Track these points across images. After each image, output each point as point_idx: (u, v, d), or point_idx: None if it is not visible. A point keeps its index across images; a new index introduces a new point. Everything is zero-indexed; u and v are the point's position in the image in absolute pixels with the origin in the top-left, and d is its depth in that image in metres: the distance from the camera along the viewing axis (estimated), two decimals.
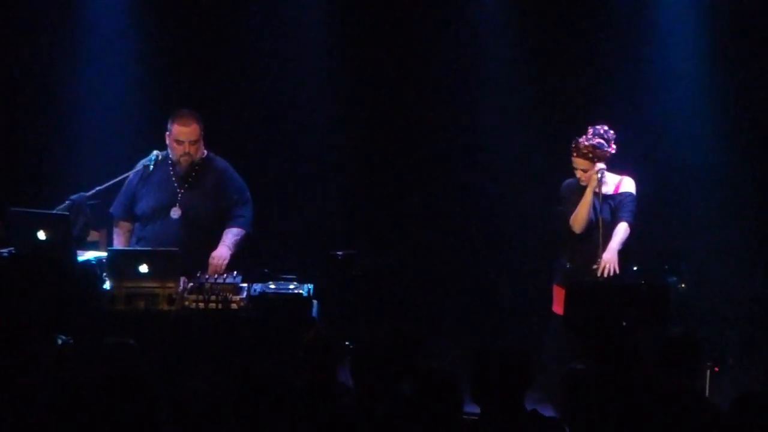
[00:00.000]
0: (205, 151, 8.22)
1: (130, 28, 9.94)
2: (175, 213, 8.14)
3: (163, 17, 9.97)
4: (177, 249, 7.66)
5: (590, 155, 8.17)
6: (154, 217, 8.15)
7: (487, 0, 10.09)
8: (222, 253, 8.03)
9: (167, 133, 8.13)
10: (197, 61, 10.01)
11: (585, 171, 8.22)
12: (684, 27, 9.93)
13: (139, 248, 7.91)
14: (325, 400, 5.72)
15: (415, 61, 10.18)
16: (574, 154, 8.23)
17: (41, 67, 9.85)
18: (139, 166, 8.18)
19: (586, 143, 8.19)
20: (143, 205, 8.17)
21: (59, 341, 6.25)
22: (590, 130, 8.23)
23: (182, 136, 8.09)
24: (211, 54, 10.04)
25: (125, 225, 8.26)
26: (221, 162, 8.29)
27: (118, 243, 8.19)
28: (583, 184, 8.23)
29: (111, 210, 8.23)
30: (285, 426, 5.18)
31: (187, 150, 8.09)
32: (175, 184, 8.17)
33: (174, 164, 8.15)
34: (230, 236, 8.13)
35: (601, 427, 5.41)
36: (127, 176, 8.14)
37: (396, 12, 10.13)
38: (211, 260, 7.99)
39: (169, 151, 8.14)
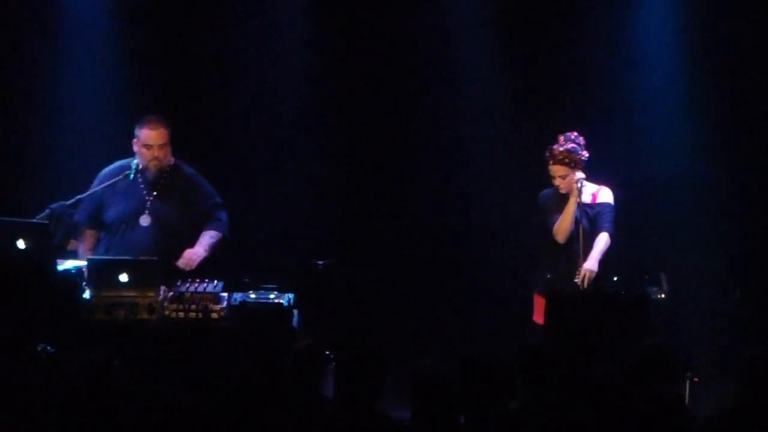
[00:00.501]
0: (173, 159, 8.21)
1: (110, 34, 9.91)
2: (145, 221, 8.10)
3: (142, 23, 9.94)
4: (156, 258, 7.65)
5: (566, 160, 8.21)
6: (123, 225, 8.10)
7: (472, 3, 10.09)
8: (196, 250, 8.01)
9: (134, 140, 8.10)
10: (177, 69, 9.98)
11: (563, 177, 8.25)
12: (665, 36, 9.96)
13: (118, 257, 7.86)
14: (304, 410, 5.70)
15: (396, 68, 10.18)
16: (551, 162, 8.26)
17: (20, 73, 9.81)
18: (105, 175, 8.12)
19: (561, 149, 8.23)
20: (111, 214, 8.11)
21: (39, 349, 6.23)
22: (561, 138, 8.28)
23: (150, 140, 8.07)
24: (191, 62, 10.02)
25: (91, 232, 8.19)
26: (189, 169, 8.27)
27: (83, 250, 8.12)
28: (563, 191, 8.25)
29: (76, 217, 8.14)
30: None
31: (156, 154, 8.06)
32: (144, 192, 8.14)
33: (142, 171, 8.12)
34: (207, 237, 8.11)
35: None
36: (109, 184, 8.11)
37: (378, 14, 10.12)
38: (184, 254, 7.95)
39: (138, 157, 8.11)
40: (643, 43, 9.98)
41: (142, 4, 9.94)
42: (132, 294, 7.51)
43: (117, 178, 8.09)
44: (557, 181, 8.28)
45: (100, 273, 7.56)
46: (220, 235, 8.16)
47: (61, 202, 7.96)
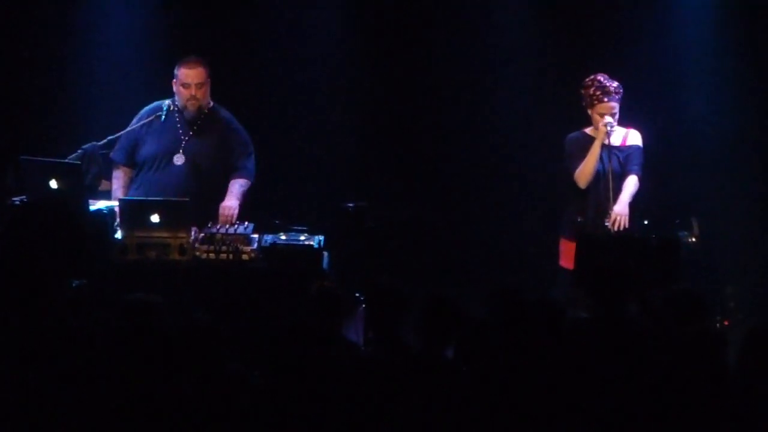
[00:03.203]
0: (211, 102, 8.22)
1: None
2: (179, 159, 8.13)
3: None
4: (188, 199, 7.68)
5: (618, 95, 8.11)
6: (156, 164, 8.13)
7: None
8: (231, 203, 8.05)
9: (173, 80, 8.12)
10: (212, 15, 9.95)
11: (615, 115, 8.12)
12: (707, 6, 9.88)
13: (150, 198, 7.89)
14: (327, 350, 5.73)
15: (427, 21, 10.13)
16: (604, 99, 8.11)
17: (52, 12, 9.81)
18: (143, 114, 8.16)
19: (613, 85, 8.11)
20: (145, 151, 8.14)
21: (74, 284, 6.29)
22: (598, 77, 8.15)
23: (188, 79, 8.08)
24: (227, 8, 9.99)
25: (126, 170, 8.22)
26: (226, 113, 8.29)
27: (117, 187, 8.15)
28: (613, 130, 8.11)
29: (111, 155, 8.17)
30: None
31: (193, 93, 8.08)
32: (180, 131, 8.16)
33: (181, 111, 8.14)
34: (237, 186, 8.14)
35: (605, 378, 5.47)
36: (146, 122, 8.12)
37: None
38: (221, 210, 8.00)
39: (176, 97, 8.13)
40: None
41: None
42: (163, 234, 7.56)
43: (151, 117, 8.11)
44: (608, 119, 8.08)
45: (132, 213, 7.61)
46: (249, 183, 8.21)
47: (94, 143, 8.01)
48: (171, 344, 5.28)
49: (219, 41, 9.74)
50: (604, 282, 6.17)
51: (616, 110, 8.15)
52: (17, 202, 7.68)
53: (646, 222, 8.33)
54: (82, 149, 7.92)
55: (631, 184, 8.17)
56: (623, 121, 8.26)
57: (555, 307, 5.76)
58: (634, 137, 8.28)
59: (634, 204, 8.16)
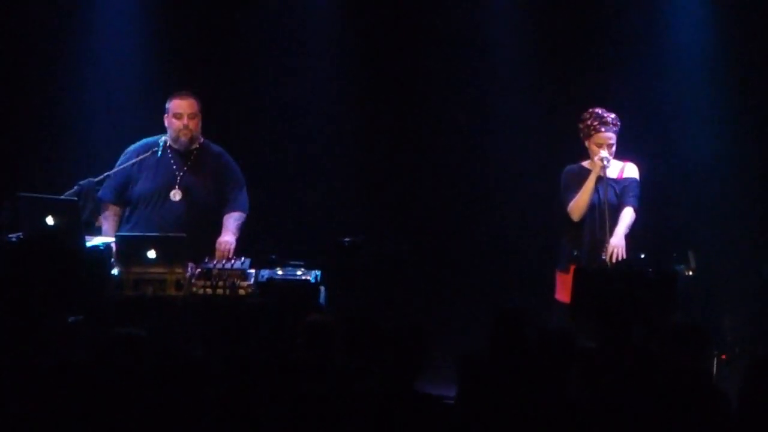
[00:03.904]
0: (202, 138, 8.23)
1: (141, 13, 9.93)
2: (176, 195, 8.12)
3: (174, 4, 9.96)
4: (184, 234, 7.68)
5: (616, 127, 8.13)
6: (153, 200, 8.13)
7: None
8: (228, 238, 8.05)
9: (165, 114, 8.14)
10: (206, 47, 10.00)
11: (612, 146, 8.14)
12: (695, 13, 9.90)
13: (146, 233, 7.88)
14: (315, 378, 5.71)
15: (422, 48, 10.16)
16: (602, 130, 8.13)
17: (50, 52, 9.84)
18: (131, 152, 8.15)
19: (611, 116, 8.14)
20: (140, 188, 8.13)
21: (70, 320, 6.28)
22: (596, 110, 8.18)
23: (181, 109, 8.09)
24: (221, 37, 10.02)
25: (115, 209, 8.20)
26: (217, 147, 8.30)
27: (108, 227, 8.12)
28: (607, 161, 8.12)
29: (99, 194, 8.14)
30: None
31: (186, 123, 8.09)
32: (175, 167, 8.17)
33: (172, 147, 8.13)
34: (232, 221, 8.15)
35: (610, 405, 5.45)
36: (137, 161, 8.13)
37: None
38: (218, 246, 8.00)
39: (168, 129, 8.14)
40: (676, 18, 9.91)
41: None
42: (160, 270, 7.55)
43: (146, 155, 8.11)
44: (604, 154, 8.10)
45: (128, 249, 7.60)
46: (243, 215, 8.21)
47: (90, 179, 8.00)
48: (156, 379, 5.25)
49: (216, 77, 9.79)
50: (601, 316, 6.16)
51: (613, 141, 8.17)
52: (14, 239, 7.67)
53: (642, 255, 8.33)
54: (79, 185, 7.91)
55: (627, 216, 8.16)
56: (620, 154, 8.28)
57: (564, 336, 5.71)
58: (630, 170, 8.29)
59: (630, 236, 8.16)
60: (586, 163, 8.29)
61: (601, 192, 8.12)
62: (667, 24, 9.95)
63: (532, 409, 5.32)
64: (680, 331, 6.10)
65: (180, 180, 8.14)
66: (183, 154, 8.15)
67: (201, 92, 8.32)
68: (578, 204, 8.17)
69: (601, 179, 8.11)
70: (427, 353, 5.52)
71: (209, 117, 8.28)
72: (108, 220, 8.18)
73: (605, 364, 5.87)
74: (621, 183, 8.25)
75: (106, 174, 8.07)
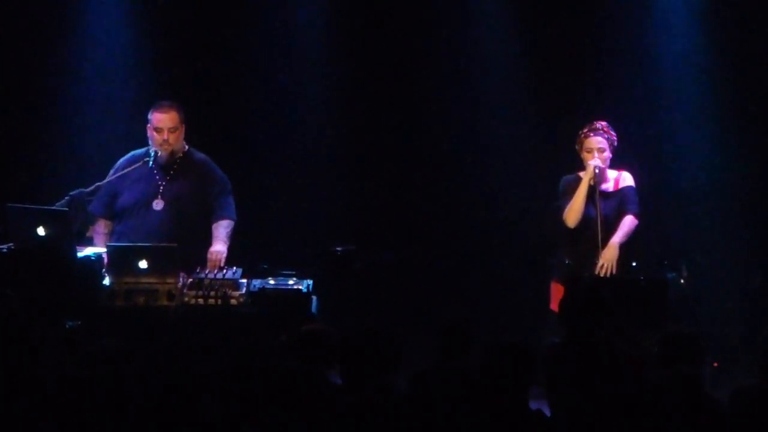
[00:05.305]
0: (186, 146, 8.22)
1: (128, 27, 9.93)
2: (158, 205, 8.11)
3: (162, 14, 9.96)
4: (176, 244, 7.66)
5: (604, 132, 8.15)
6: (135, 211, 8.11)
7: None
8: (219, 248, 8.04)
9: (147, 125, 8.13)
10: (195, 56, 10.00)
11: (602, 151, 8.17)
12: (690, 25, 9.92)
13: (138, 244, 7.86)
14: (309, 391, 5.70)
15: (414, 56, 10.18)
16: (590, 135, 8.19)
17: (40, 62, 9.84)
18: (120, 165, 8.14)
19: (600, 123, 8.19)
20: (123, 200, 8.12)
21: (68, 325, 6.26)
22: (591, 125, 8.23)
23: (161, 123, 8.08)
24: (209, 48, 10.02)
25: (106, 222, 8.19)
26: (201, 155, 8.28)
27: (98, 241, 8.11)
28: (599, 166, 8.15)
29: (90, 207, 8.14)
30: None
31: (166, 137, 8.07)
32: (157, 177, 8.15)
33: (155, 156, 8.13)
34: (222, 230, 8.13)
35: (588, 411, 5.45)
36: (124, 173, 8.12)
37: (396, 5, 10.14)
38: (210, 256, 7.99)
39: (150, 141, 8.13)
40: (671, 29, 9.93)
41: None
42: (151, 280, 7.54)
43: (135, 166, 8.10)
44: (595, 156, 8.15)
45: (120, 259, 7.59)
46: (232, 222, 8.20)
47: (81, 189, 7.98)
48: (148, 390, 5.24)
49: (207, 86, 9.79)
50: (588, 324, 6.18)
51: (604, 146, 8.19)
52: (4, 250, 7.66)
53: (634, 263, 8.34)
54: (69, 196, 7.90)
55: (626, 224, 8.18)
56: (614, 163, 8.29)
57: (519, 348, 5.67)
58: (626, 179, 8.31)
59: (628, 243, 8.16)
60: (582, 173, 8.31)
61: (598, 205, 8.12)
62: (662, 33, 9.96)
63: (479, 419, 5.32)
64: (672, 339, 6.11)
65: (163, 189, 8.13)
66: (165, 164, 8.14)
67: (191, 101, 8.33)
68: (572, 208, 8.19)
69: (592, 188, 8.13)
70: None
71: (198, 126, 8.27)
72: (99, 235, 8.17)
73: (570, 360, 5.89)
74: (618, 194, 8.26)
75: (96, 185, 8.06)
